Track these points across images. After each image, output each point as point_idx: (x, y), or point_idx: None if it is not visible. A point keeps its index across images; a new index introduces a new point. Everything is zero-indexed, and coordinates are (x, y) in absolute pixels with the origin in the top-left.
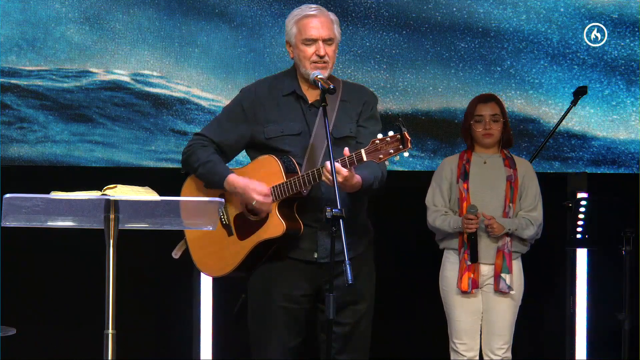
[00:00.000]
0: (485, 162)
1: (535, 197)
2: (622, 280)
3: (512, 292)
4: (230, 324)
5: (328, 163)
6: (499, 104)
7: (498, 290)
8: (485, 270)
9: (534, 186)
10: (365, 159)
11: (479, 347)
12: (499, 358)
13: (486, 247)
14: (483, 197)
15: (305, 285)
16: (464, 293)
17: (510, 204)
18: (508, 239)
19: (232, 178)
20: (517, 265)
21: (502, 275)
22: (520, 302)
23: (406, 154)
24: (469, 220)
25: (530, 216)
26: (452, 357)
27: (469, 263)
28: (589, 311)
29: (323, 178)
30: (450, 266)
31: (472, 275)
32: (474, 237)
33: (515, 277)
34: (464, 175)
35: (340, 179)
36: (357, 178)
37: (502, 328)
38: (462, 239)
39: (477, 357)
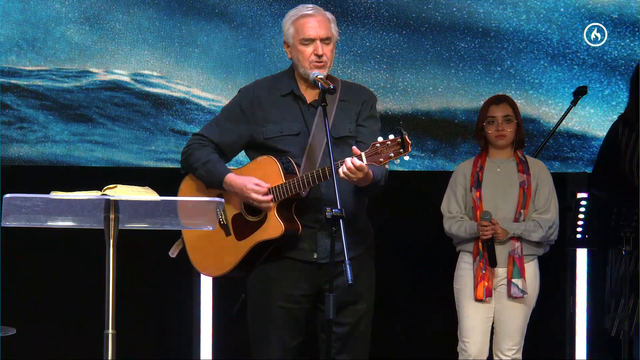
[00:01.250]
0: (498, 168)
1: (548, 199)
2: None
3: (525, 296)
4: (230, 324)
5: (348, 159)
6: (512, 104)
7: (511, 296)
8: (499, 272)
9: (547, 188)
10: (365, 162)
11: (488, 348)
12: (509, 359)
13: (499, 252)
14: (496, 204)
15: (305, 285)
16: (479, 300)
17: (522, 210)
18: (517, 244)
19: (230, 178)
20: (531, 268)
21: (514, 280)
22: (534, 304)
23: (406, 158)
24: (483, 227)
25: (540, 218)
26: (460, 357)
27: (483, 271)
28: (589, 311)
29: (342, 175)
30: (465, 266)
31: (487, 284)
32: (490, 243)
33: (530, 280)
34: (476, 183)
35: (361, 175)
36: (371, 172)
37: (514, 330)
38: (478, 246)
39: (485, 358)
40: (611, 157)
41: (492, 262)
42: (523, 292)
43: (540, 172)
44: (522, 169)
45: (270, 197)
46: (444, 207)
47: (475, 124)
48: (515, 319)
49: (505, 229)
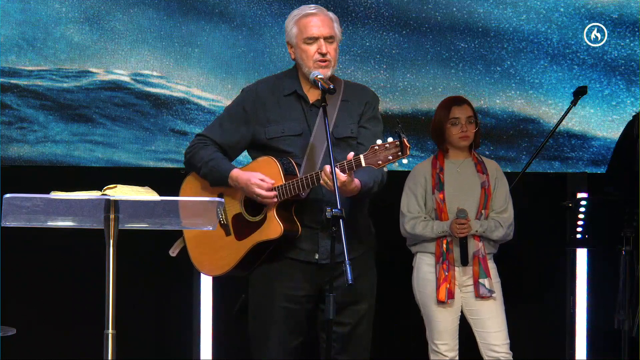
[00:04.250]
0: (458, 169)
1: (506, 199)
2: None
3: (493, 295)
4: (230, 324)
5: (327, 167)
6: (471, 105)
7: (479, 296)
8: (463, 272)
9: (503, 187)
10: (363, 164)
11: (458, 347)
12: (504, 353)
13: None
14: (459, 205)
15: (307, 285)
16: (441, 303)
17: (483, 211)
18: (480, 244)
19: (235, 173)
20: (492, 266)
21: (481, 280)
22: (502, 298)
23: (405, 161)
24: (461, 225)
25: (500, 218)
26: (432, 358)
27: (446, 273)
28: (589, 311)
29: (321, 182)
30: (428, 268)
31: (448, 286)
32: (465, 241)
33: (493, 277)
34: (439, 185)
35: (338, 184)
36: (356, 183)
37: (499, 325)
38: (441, 247)
39: (457, 358)
40: (628, 156)
41: (464, 261)
42: (490, 291)
43: (497, 172)
44: (480, 169)
45: (274, 193)
46: (403, 208)
47: (432, 126)
48: (495, 316)
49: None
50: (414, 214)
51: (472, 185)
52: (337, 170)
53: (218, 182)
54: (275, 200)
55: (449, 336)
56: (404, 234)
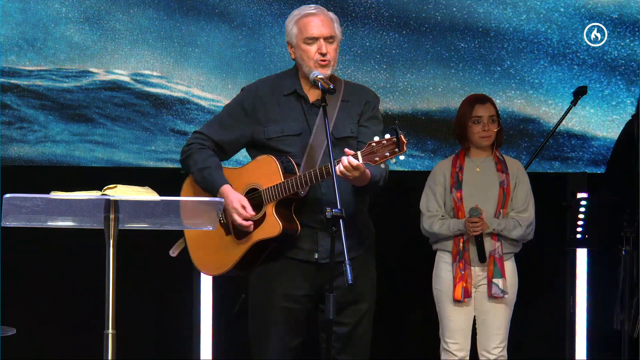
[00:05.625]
0: (478, 168)
1: (526, 198)
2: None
3: (506, 297)
4: (230, 324)
5: (344, 158)
6: (494, 104)
7: (491, 296)
8: (479, 271)
9: (524, 187)
10: (360, 161)
11: (469, 347)
12: (495, 357)
13: (481, 251)
14: (476, 204)
15: (306, 285)
16: (457, 301)
17: (502, 210)
18: (497, 243)
19: (223, 191)
20: (510, 266)
21: (494, 280)
22: (514, 300)
23: (402, 157)
24: (473, 224)
25: (519, 217)
26: (442, 357)
27: (462, 272)
28: (589, 311)
29: (338, 172)
30: (445, 266)
31: (465, 285)
32: (480, 238)
33: (509, 278)
34: (457, 184)
35: (357, 174)
36: (368, 172)
37: (498, 328)
38: (458, 245)
39: (468, 358)
40: (626, 157)
41: (482, 258)
42: (504, 292)
43: (518, 171)
44: (500, 168)
45: (249, 223)
46: (422, 206)
47: (455, 123)
48: (498, 317)
49: (485, 222)
50: (432, 212)
51: (491, 184)
52: (355, 160)
53: (208, 191)
54: (251, 229)
55: (460, 335)
56: (423, 232)
